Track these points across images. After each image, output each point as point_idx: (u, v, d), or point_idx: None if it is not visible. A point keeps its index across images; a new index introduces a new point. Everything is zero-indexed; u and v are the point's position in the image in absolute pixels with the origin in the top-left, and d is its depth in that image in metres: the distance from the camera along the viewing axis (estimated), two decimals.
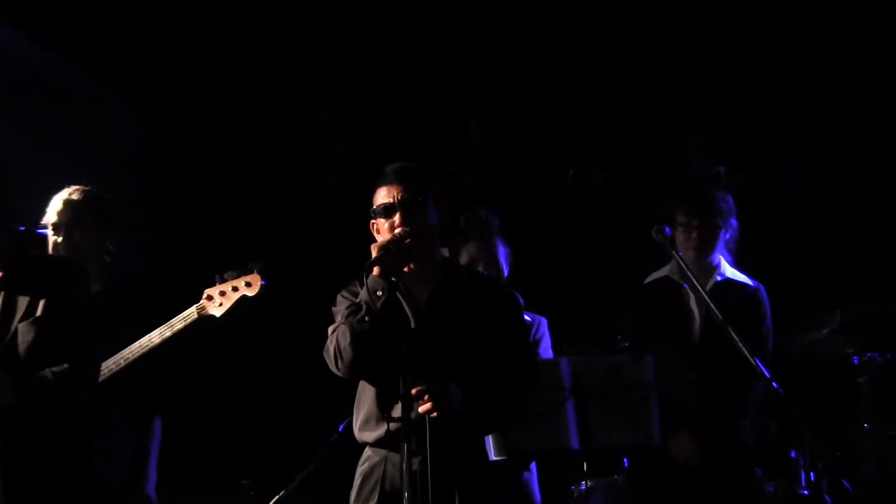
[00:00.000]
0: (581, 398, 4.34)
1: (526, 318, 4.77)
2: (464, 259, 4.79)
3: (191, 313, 4.16)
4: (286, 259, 5.96)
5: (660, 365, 4.38)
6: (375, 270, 3.44)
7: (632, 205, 6.02)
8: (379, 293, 3.42)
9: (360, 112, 6.37)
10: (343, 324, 3.48)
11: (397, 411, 3.40)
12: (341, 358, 3.47)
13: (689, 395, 4.67)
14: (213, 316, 4.15)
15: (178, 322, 4.15)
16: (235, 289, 4.15)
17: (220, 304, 4.15)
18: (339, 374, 3.52)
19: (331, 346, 3.51)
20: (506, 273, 4.84)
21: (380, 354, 3.43)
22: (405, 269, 3.59)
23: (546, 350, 4.89)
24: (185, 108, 6.22)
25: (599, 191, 6.24)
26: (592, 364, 4.40)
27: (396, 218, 3.55)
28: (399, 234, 3.52)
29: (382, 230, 3.58)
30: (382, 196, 3.59)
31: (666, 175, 5.93)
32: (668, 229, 4.53)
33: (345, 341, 3.45)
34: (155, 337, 4.12)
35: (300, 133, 6.37)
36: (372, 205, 3.64)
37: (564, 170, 6.26)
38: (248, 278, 4.16)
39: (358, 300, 3.48)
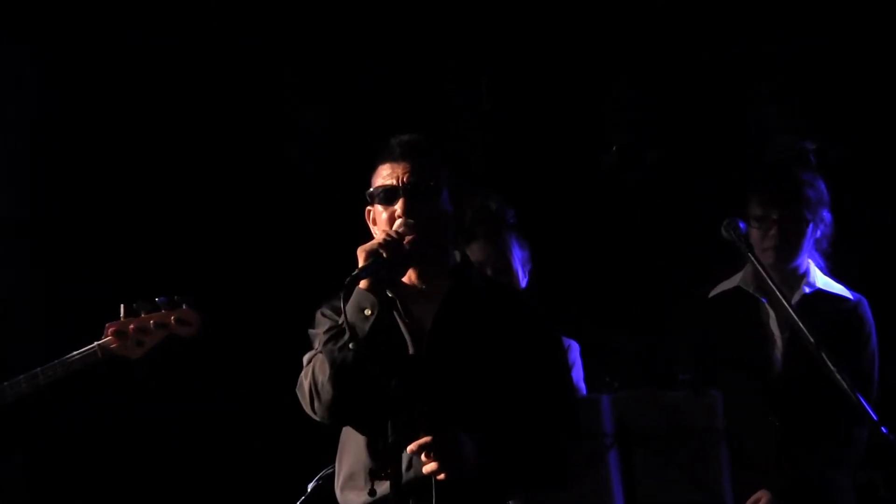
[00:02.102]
0: (627, 447, 4.35)
1: None
2: None
3: (91, 352, 4.22)
4: (243, 265, 6.10)
5: (730, 403, 4.39)
6: (363, 283, 3.48)
7: (693, 192, 6.02)
8: (367, 312, 3.46)
9: (336, 70, 6.35)
10: (320, 352, 3.50)
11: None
12: (318, 397, 3.49)
13: (769, 442, 4.70)
14: (126, 356, 4.23)
15: (77, 360, 4.21)
16: (162, 325, 4.23)
17: (141, 344, 4.23)
18: (315, 417, 3.55)
19: (305, 380, 3.54)
20: (522, 283, 4.87)
21: (368, 392, 3.46)
22: (405, 279, 3.63)
23: (578, 383, 4.91)
24: (102, 61, 6.20)
25: (651, 174, 6.25)
26: (642, 402, 4.41)
27: (398, 206, 3.58)
28: (396, 231, 3.55)
29: (380, 221, 3.63)
30: (384, 176, 3.63)
31: (738, 153, 5.95)
32: (741, 224, 4.52)
33: (322, 375, 3.47)
34: (39, 376, 4.18)
35: (256, 97, 6.36)
36: (368, 186, 3.67)
37: (605, 147, 6.26)
38: (180, 314, 4.23)
39: (340, 322, 3.50)
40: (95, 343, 4.23)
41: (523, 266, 4.87)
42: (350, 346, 3.42)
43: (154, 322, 4.21)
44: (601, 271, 6.15)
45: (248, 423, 6.02)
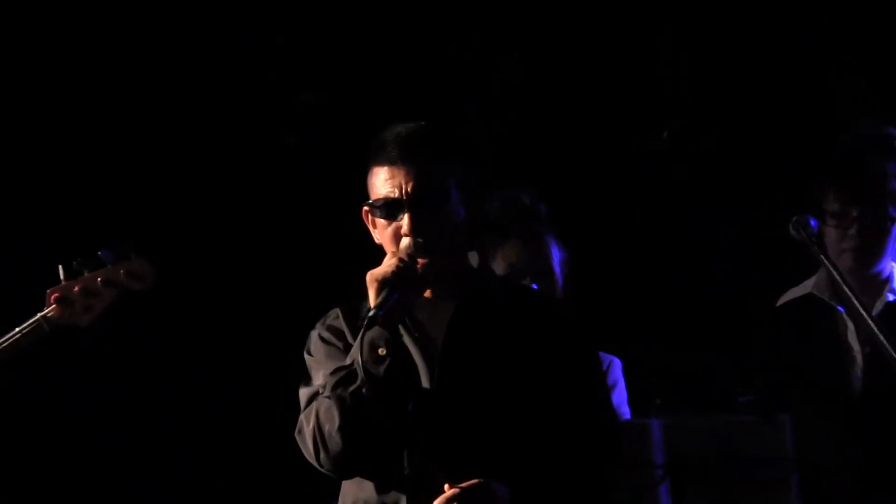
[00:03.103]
0: (680, 480, 4.21)
1: None
2: (499, 268, 4.79)
3: (35, 325, 4.14)
4: (236, 255, 6.18)
5: (802, 429, 4.27)
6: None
7: (756, 185, 6.02)
8: (381, 351, 3.48)
9: (335, 39, 6.37)
10: (328, 397, 3.52)
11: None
12: (324, 449, 3.53)
13: (847, 474, 4.68)
14: (75, 325, 4.15)
15: (22, 338, 4.15)
16: (110, 283, 4.12)
17: (89, 308, 4.12)
18: (320, 468, 3.58)
19: (307, 427, 3.57)
20: (560, 287, 4.88)
21: (383, 441, 3.49)
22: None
23: (621, 405, 4.91)
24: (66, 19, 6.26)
25: (706, 163, 6.22)
26: (697, 428, 4.27)
27: (404, 222, 3.57)
28: (408, 251, 3.56)
29: (384, 236, 3.63)
30: (382, 183, 3.62)
31: (811, 139, 5.86)
32: (812, 221, 4.53)
33: (330, 424, 3.50)
34: None
35: (243, 73, 6.38)
36: (364, 186, 3.68)
37: (653, 132, 6.24)
38: (130, 267, 4.13)
39: (349, 362, 3.51)
40: (39, 315, 4.14)
41: (562, 269, 4.88)
42: (363, 391, 3.45)
43: (101, 280, 4.10)
44: (647, 276, 6.15)
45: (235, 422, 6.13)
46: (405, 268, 3.51)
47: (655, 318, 5.93)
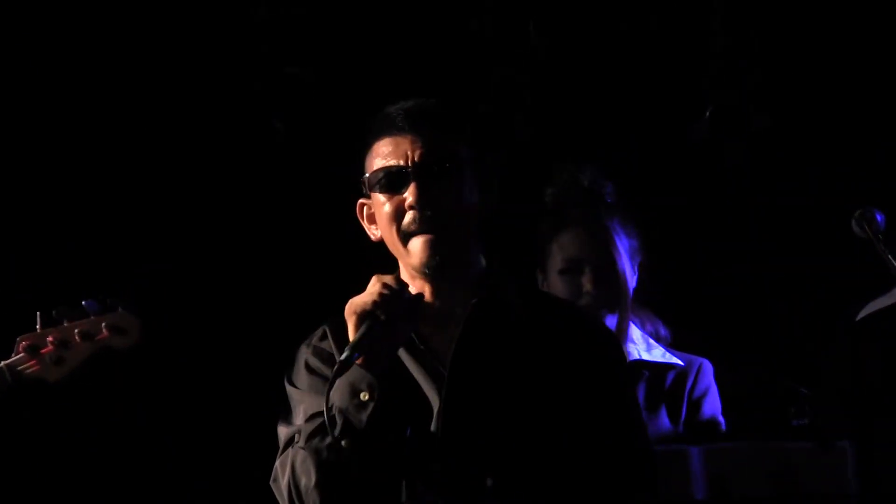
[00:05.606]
0: None
1: (675, 360, 4.88)
2: (555, 263, 4.85)
3: None
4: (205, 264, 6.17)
5: (881, 460, 4.45)
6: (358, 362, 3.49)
7: (819, 173, 6.00)
8: (363, 395, 3.47)
9: (327, 7, 6.38)
10: (303, 449, 3.52)
11: None
12: None
13: None
14: (42, 379, 4.24)
15: None
16: (88, 336, 4.23)
17: (60, 361, 4.22)
18: None
19: (282, 477, 3.58)
20: (631, 282, 4.95)
21: (369, 497, 3.49)
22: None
23: (716, 415, 4.92)
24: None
25: (759, 146, 6.18)
26: (743, 456, 4.37)
27: (409, 193, 3.58)
28: (412, 227, 3.57)
29: (382, 216, 3.64)
30: (384, 153, 3.63)
31: (878, 121, 5.92)
32: (879, 216, 4.52)
33: (306, 478, 3.51)
34: None
35: (224, 48, 6.39)
36: (361, 169, 3.69)
37: (695, 110, 6.22)
38: (113, 320, 4.24)
39: (329, 405, 3.48)
40: (2, 362, 4.22)
41: (632, 258, 4.91)
42: (342, 443, 3.44)
43: (79, 332, 4.21)
44: (689, 279, 6.12)
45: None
46: (391, 295, 3.49)
47: (693, 323, 5.82)
